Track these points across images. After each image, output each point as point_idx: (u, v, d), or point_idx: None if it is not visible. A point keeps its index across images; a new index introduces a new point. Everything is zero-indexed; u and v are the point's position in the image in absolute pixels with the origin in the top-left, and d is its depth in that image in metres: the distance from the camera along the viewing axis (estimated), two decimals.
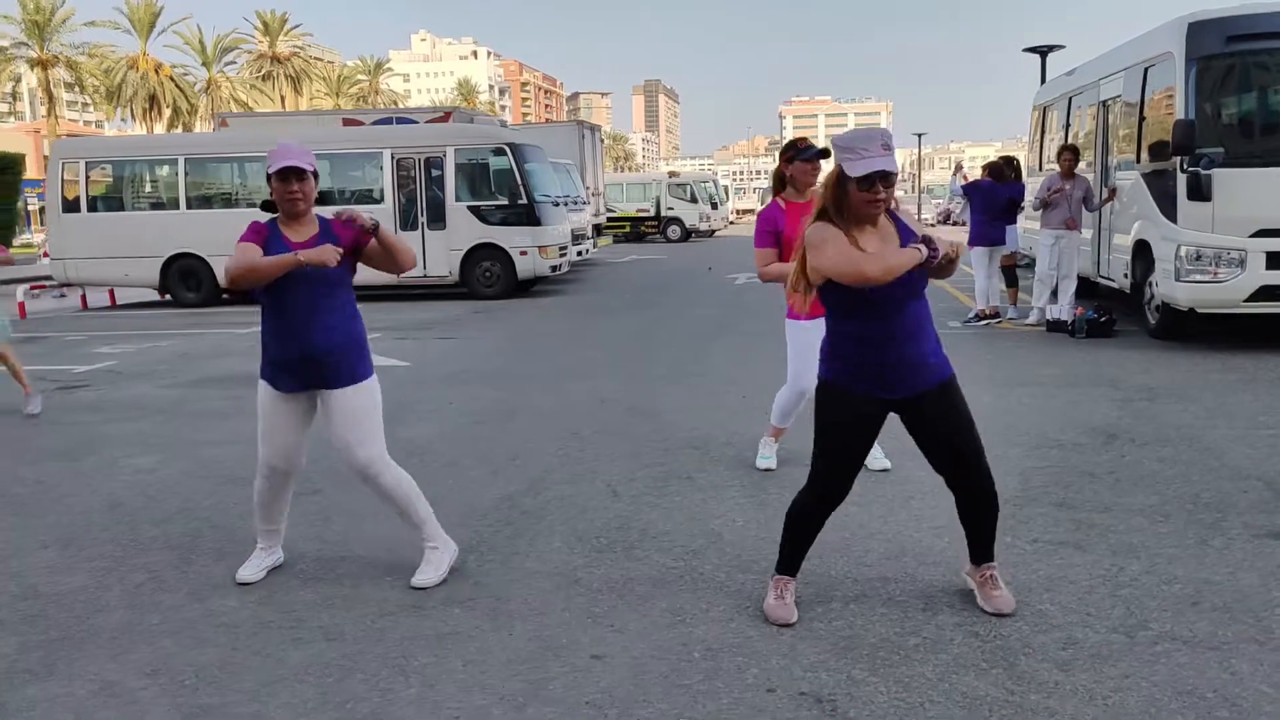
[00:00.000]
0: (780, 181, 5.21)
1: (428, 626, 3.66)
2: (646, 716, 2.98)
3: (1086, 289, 11.72)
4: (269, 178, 3.86)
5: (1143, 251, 9.48)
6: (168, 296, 16.82)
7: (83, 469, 6.09)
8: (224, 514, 5.08)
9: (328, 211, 4.05)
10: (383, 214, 15.84)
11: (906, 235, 3.41)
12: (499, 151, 15.79)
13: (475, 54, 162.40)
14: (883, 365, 3.42)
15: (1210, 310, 8.64)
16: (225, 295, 17.03)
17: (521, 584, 4.03)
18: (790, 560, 3.71)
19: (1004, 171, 10.67)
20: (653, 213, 36.07)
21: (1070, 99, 12.63)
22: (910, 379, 3.45)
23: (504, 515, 4.91)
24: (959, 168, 13.76)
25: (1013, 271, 11.14)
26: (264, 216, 4.04)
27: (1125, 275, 10.11)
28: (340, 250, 3.78)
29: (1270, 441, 5.73)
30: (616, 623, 3.64)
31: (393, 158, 15.86)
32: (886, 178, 3.26)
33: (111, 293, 18.13)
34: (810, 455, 3.62)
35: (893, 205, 3.48)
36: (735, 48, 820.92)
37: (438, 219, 15.85)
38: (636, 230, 36.16)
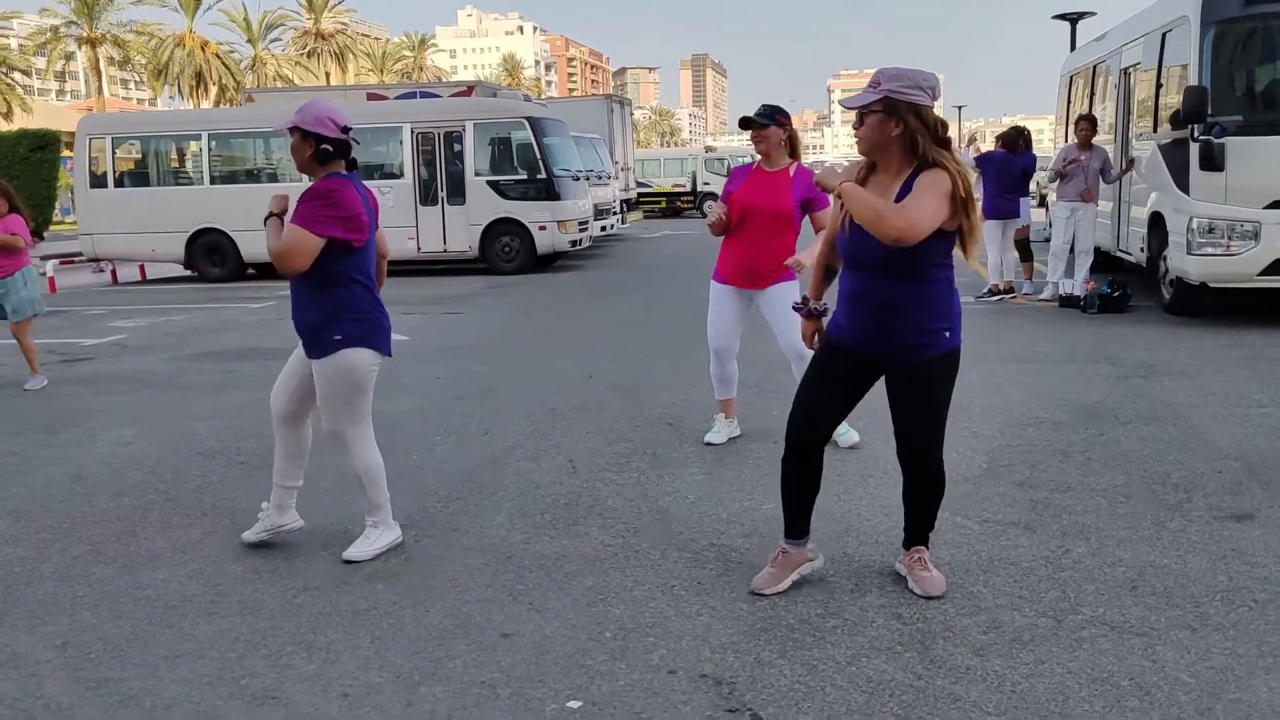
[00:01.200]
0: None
1: (346, 602, 3.62)
2: (537, 697, 2.92)
3: (1110, 263, 11.41)
4: None
5: (1158, 224, 9.18)
6: (194, 272, 17.00)
7: (59, 441, 6.14)
8: (181, 487, 5.08)
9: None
10: (403, 189, 15.90)
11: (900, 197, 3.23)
12: (518, 125, 15.72)
13: (521, 29, 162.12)
14: (856, 325, 3.36)
15: (1223, 285, 8.35)
16: (250, 270, 17.19)
17: (452, 560, 3.97)
18: (788, 519, 3.59)
19: (1017, 142, 10.37)
20: (688, 188, 35.83)
21: (1094, 67, 12.26)
22: (880, 350, 3.36)
23: (456, 490, 4.86)
24: (972, 139, 13.44)
25: (1026, 245, 10.85)
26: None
27: (1141, 249, 9.81)
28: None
29: (1259, 420, 5.51)
30: (536, 601, 3.57)
31: (413, 132, 15.84)
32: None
33: (141, 268, 18.34)
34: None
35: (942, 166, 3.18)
36: (783, 22, 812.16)
37: (457, 194, 15.83)
38: (672, 205, 35.97)
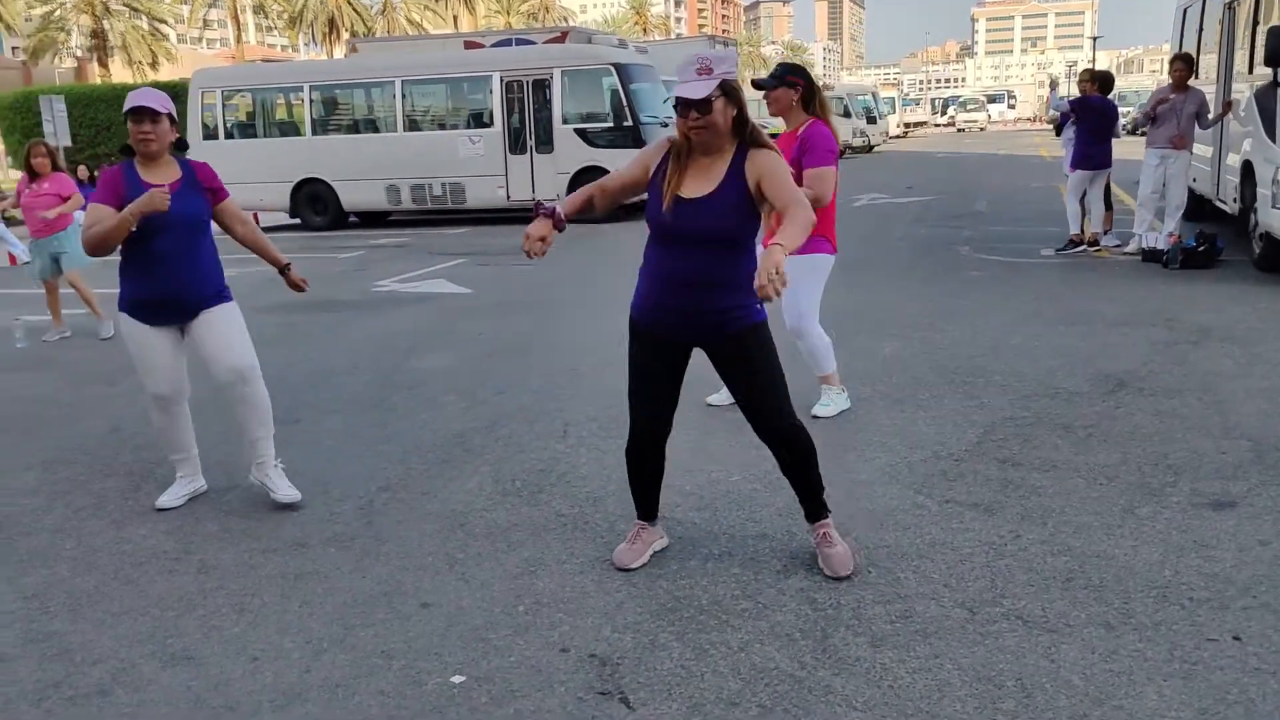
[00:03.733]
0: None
1: (295, 565, 3.78)
2: (426, 670, 3.01)
3: (1216, 214, 10.73)
4: (125, 119, 3.97)
5: (1249, 174, 8.57)
6: (297, 220, 17.64)
7: (114, 392, 6.54)
8: (206, 438, 5.34)
9: None
10: (493, 137, 16.09)
11: (731, 180, 3.19)
12: (605, 72, 15.67)
13: None
14: (661, 305, 3.32)
15: None
16: (353, 219, 17.75)
17: (409, 525, 4.10)
18: (637, 505, 3.66)
19: (1112, 83, 9.75)
20: None
21: (1204, 1, 11.40)
22: (693, 327, 3.32)
23: (444, 453, 4.98)
24: (1054, 84, 12.59)
25: (1108, 194, 10.26)
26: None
27: (1235, 199, 9.17)
28: (168, 196, 3.88)
29: None
30: (469, 571, 3.66)
31: (502, 80, 15.97)
32: (697, 104, 3.08)
33: (255, 216, 19.11)
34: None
35: (765, 144, 3.21)
36: None
37: (545, 142, 15.93)
38: None
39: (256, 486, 4.42)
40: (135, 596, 3.59)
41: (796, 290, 5.06)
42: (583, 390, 5.99)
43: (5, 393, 6.73)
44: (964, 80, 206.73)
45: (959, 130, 62.98)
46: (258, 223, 18.45)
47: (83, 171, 16.43)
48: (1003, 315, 7.37)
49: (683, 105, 3.10)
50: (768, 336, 3.37)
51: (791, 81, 4.96)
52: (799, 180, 4.85)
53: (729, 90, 3.11)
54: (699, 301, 3.26)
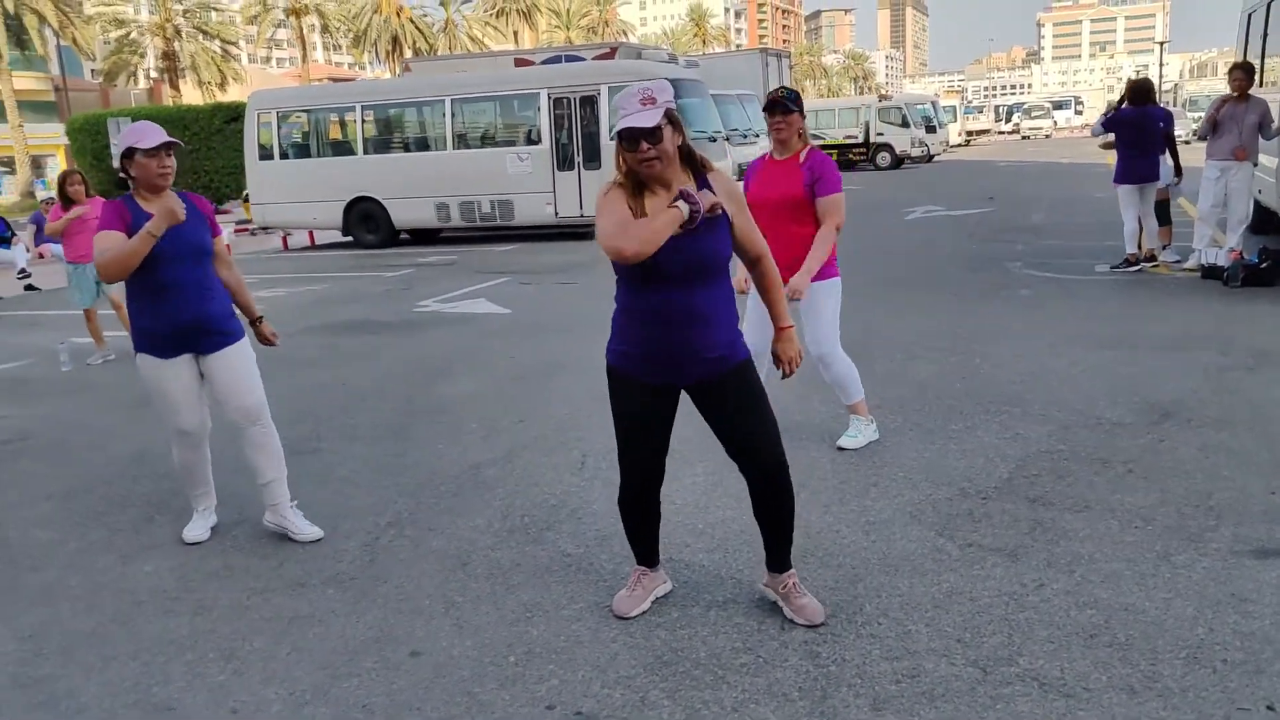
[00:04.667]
0: None
1: (291, 607, 3.71)
2: None
3: (1278, 227, 10.28)
4: (131, 154, 3.94)
5: None
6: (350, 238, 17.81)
7: (142, 417, 6.55)
8: (217, 471, 5.32)
9: None
10: (541, 154, 16.09)
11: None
12: None
13: None
14: (649, 349, 3.18)
15: None
16: (404, 236, 17.88)
17: (411, 565, 4.00)
18: (637, 552, 3.53)
19: (1149, 94, 9.39)
20: (860, 139, 34.68)
21: (1269, 3, 10.95)
22: (690, 368, 3.19)
23: (456, 485, 4.89)
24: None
25: (1165, 208, 9.88)
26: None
27: None
28: (182, 205, 3.91)
29: None
30: (465, 615, 3.55)
31: (549, 97, 15.97)
32: (648, 134, 2.96)
33: (310, 234, 19.39)
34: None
35: (711, 169, 3.17)
36: None
37: (593, 158, 15.87)
38: (844, 157, 34.90)
39: (273, 529, 4.37)
40: (128, 639, 3.54)
41: (819, 317, 4.92)
42: (606, 417, 5.82)
43: (45, 418, 6.80)
44: (1030, 86, 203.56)
45: (1023, 138, 61.86)
46: (312, 242, 18.81)
47: None
48: (1048, 337, 7.09)
49: (631, 139, 2.97)
50: (754, 369, 3.30)
51: (803, 109, 4.81)
52: (812, 207, 4.70)
53: (673, 119, 3.04)
54: (693, 338, 3.13)
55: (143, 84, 59.93)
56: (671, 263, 3.03)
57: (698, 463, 4.91)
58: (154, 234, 3.83)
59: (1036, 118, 63.90)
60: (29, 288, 14.36)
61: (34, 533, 4.63)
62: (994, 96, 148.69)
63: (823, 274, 4.84)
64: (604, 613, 3.50)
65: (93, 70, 58.05)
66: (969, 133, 57.53)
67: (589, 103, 15.76)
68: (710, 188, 3.13)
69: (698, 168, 3.15)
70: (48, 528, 4.68)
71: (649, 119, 2.96)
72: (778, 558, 3.37)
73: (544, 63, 17.72)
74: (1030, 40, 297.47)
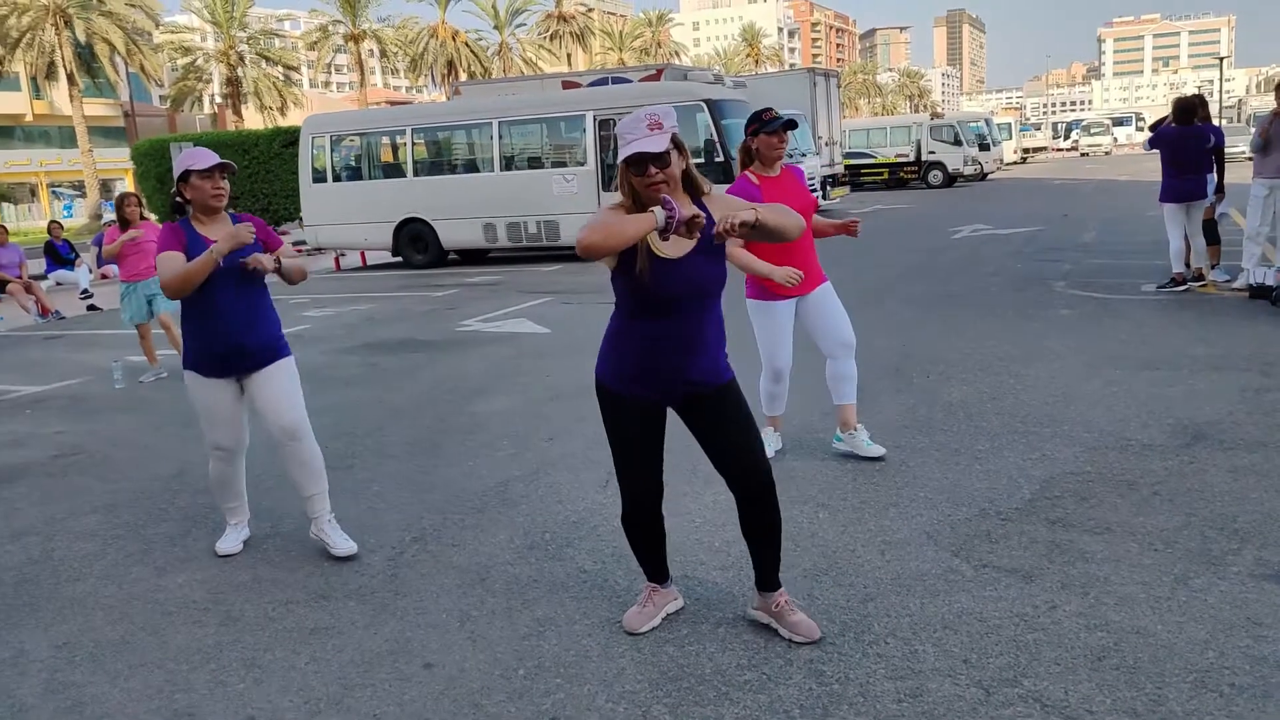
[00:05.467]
0: (747, 155, 4.91)
1: (312, 619, 3.81)
2: None
3: None
4: (186, 176, 4.09)
5: None
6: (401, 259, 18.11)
7: (189, 434, 6.74)
8: (252, 487, 5.46)
9: None
10: (586, 176, 16.25)
11: (709, 225, 3.11)
12: (696, 109, 15.67)
13: None
14: (640, 370, 3.24)
15: None
16: (452, 256, 18.14)
17: (431, 579, 4.09)
18: (646, 569, 3.58)
19: (1193, 112, 9.25)
20: (912, 157, 34.48)
21: None
22: (679, 390, 3.27)
23: (482, 501, 4.98)
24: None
25: (1214, 226, 9.71)
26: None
27: None
28: (253, 228, 4.02)
29: None
30: (479, 629, 3.62)
31: (594, 119, 16.13)
32: (656, 159, 3.01)
33: (362, 254, 19.77)
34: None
35: (705, 191, 3.22)
36: None
37: None
38: (896, 176, 34.77)
39: (316, 542, 4.48)
40: (156, 648, 3.66)
41: (841, 313, 5.13)
42: None
43: (96, 433, 7.03)
44: (1090, 103, 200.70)
45: (1082, 155, 61.01)
46: (364, 262, 19.16)
47: None
48: (1085, 358, 7.02)
49: (639, 163, 3.02)
50: (738, 387, 3.37)
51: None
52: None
53: (678, 144, 3.09)
54: (684, 365, 3.21)
55: (208, 109, 61.52)
56: (669, 289, 3.08)
57: (718, 480, 4.93)
58: (217, 255, 3.97)
59: (1096, 134, 63.00)
60: (91, 308, 14.82)
61: (78, 544, 4.79)
62: (1053, 113, 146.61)
63: (823, 276, 5.10)
64: (615, 628, 3.55)
65: (160, 96, 59.72)
66: (1025, 150, 56.85)
67: None
68: (706, 210, 3.16)
69: (696, 190, 3.19)
70: (91, 540, 4.84)
71: (658, 144, 3.01)
72: (767, 576, 3.41)
73: (591, 85, 17.94)
74: (1091, 56, 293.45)
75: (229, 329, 4.19)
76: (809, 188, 5.04)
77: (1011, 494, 4.54)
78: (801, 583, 3.79)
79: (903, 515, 4.38)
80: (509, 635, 3.56)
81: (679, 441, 3.42)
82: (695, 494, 4.85)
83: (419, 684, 3.27)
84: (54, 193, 57.98)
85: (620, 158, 3.06)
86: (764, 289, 5.05)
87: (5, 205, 55.56)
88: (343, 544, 4.39)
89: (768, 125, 4.72)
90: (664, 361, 3.20)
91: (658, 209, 2.92)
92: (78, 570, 4.47)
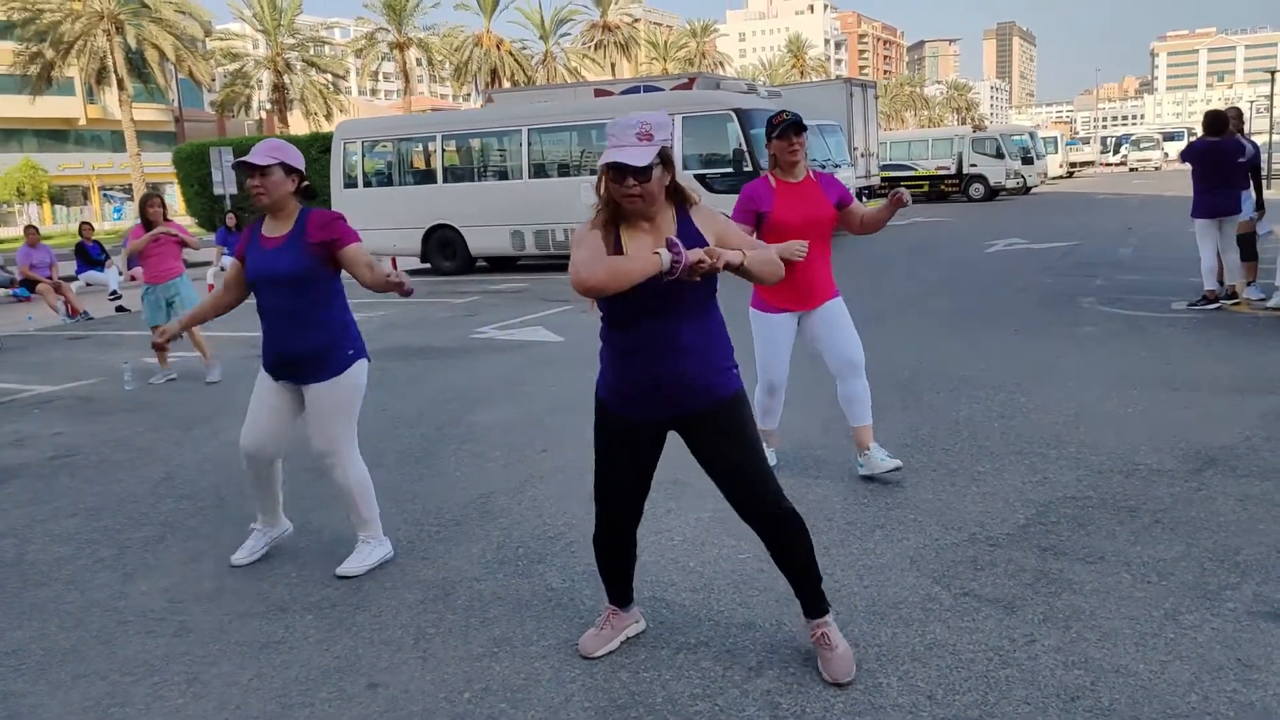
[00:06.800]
0: (774, 160, 4.75)
1: (266, 632, 3.70)
2: None
3: None
4: None
5: None
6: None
7: (184, 438, 6.72)
8: (240, 494, 5.39)
9: None
10: None
11: (691, 240, 2.95)
12: (726, 118, 15.52)
13: (811, 8, 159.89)
14: (638, 383, 3.06)
15: None
16: (481, 263, 18.12)
17: (394, 593, 3.96)
18: (608, 590, 3.42)
19: (1224, 125, 8.94)
20: (953, 170, 34.02)
21: None
22: (678, 398, 3.05)
23: (463, 513, 4.85)
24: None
25: (1251, 242, 9.37)
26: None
27: None
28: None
29: None
30: (432, 648, 3.49)
31: None
32: (637, 172, 2.84)
33: (393, 261, 19.80)
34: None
35: (694, 202, 3.06)
36: None
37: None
38: (936, 189, 34.32)
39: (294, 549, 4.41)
40: (104, 658, 3.56)
41: (848, 329, 4.92)
42: None
43: (95, 435, 7.00)
44: (1142, 117, 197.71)
45: (1131, 170, 59.97)
46: (395, 267, 19.23)
47: (230, 220, 17.36)
48: (1103, 377, 6.76)
49: (617, 171, 2.87)
50: (747, 404, 3.14)
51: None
52: (856, 217, 4.82)
53: (665, 158, 2.92)
54: (684, 370, 3.01)
55: (255, 115, 62.38)
56: (648, 294, 2.92)
57: (709, 498, 4.77)
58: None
59: (1145, 149, 61.87)
60: (119, 309, 14.95)
61: (52, 548, 4.73)
62: (1103, 127, 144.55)
63: (833, 292, 4.92)
64: (571, 651, 3.40)
65: (210, 102, 60.67)
66: (1071, 164, 56.00)
67: None
68: (691, 220, 3.02)
69: (682, 201, 3.05)
70: (66, 544, 4.78)
71: (641, 157, 2.83)
72: (804, 603, 3.20)
73: (623, 93, 17.84)
74: (1143, 70, 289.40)
75: (274, 333, 4.10)
76: (847, 192, 4.81)
77: (1005, 519, 4.33)
78: (772, 608, 3.62)
79: (888, 539, 4.19)
80: (461, 655, 3.43)
81: (669, 451, 3.24)
82: (680, 511, 4.69)
83: (359, 704, 3.14)
84: (105, 195, 59.13)
85: (601, 161, 2.91)
86: (763, 300, 4.90)
87: (57, 206, 56.76)
88: (345, 566, 4.21)
89: (777, 130, 4.57)
90: (661, 368, 3.01)
91: (664, 251, 2.75)
92: (45, 574, 4.40)
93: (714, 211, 3.12)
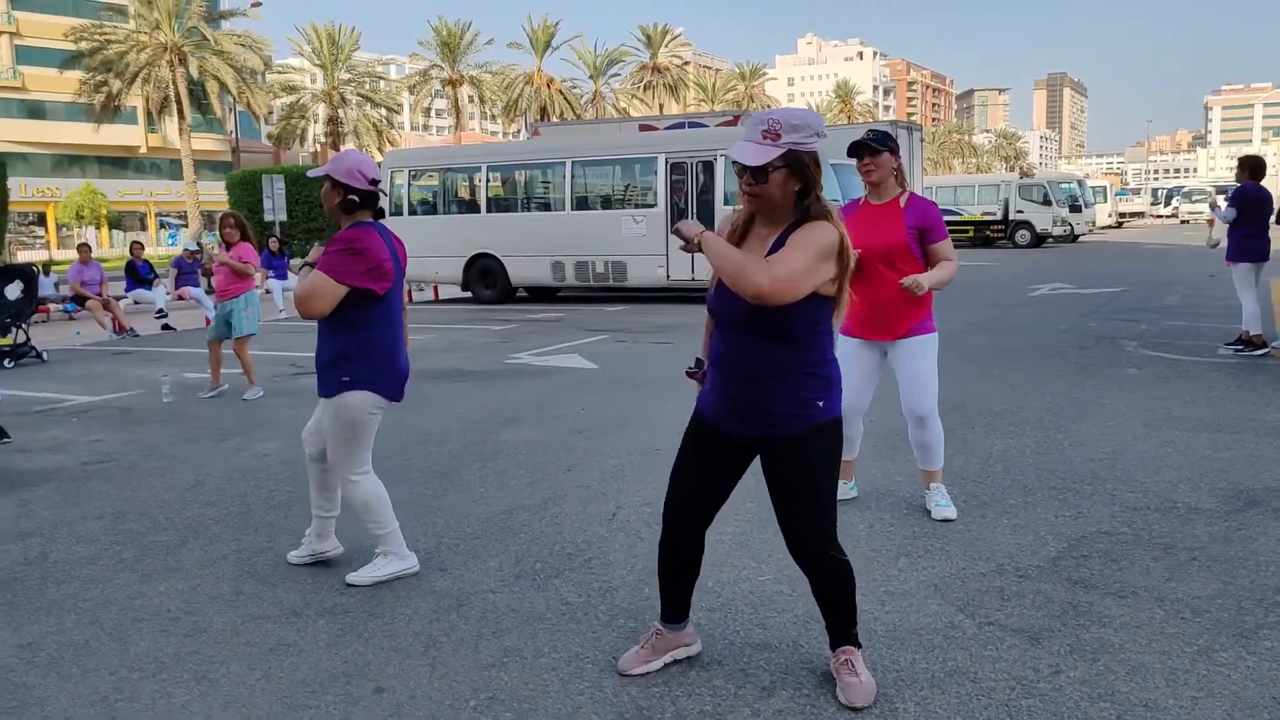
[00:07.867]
0: None
1: (277, 635, 3.67)
2: None
3: None
4: None
5: None
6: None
7: (218, 448, 6.76)
8: (264, 502, 5.40)
9: None
10: (655, 217, 16.22)
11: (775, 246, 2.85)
12: None
13: (860, 55, 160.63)
14: (713, 391, 3.02)
15: None
16: (521, 293, 18.22)
17: (408, 602, 3.93)
18: (662, 604, 3.30)
19: (1264, 169, 8.78)
20: (999, 215, 33.78)
21: None
22: (741, 421, 2.97)
23: (483, 528, 4.82)
24: (1214, 205, 11.29)
25: None
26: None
27: None
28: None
29: None
30: (442, 656, 3.45)
31: (666, 162, 16.11)
32: (753, 171, 2.74)
33: (435, 288, 20.01)
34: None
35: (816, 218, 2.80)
36: (1156, 33, 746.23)
37: (707, 223, 15.86)
38: (982, 234, 34.09)
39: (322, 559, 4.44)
40: (115, 654, 3.56)
41: (918, 374, 4.65)
42: (654, 470, 5.70)
43: (131, 443, 7.07)
44: (1194, 170, 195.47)
45: (1182, 222, 59.20)
46: (436, 295, 19.40)
47: (274, 244, 17.64)
48: (1144, 417, 6.61)
49: (741, 165, 2.77)
50: (835, 443, 2.96)
51: (893, 147, 4.56)
52: (926, 255, 4.49)
53: (793, 162, 2.72)
54: (755, 393, 2.90)
55: (310, 147, 63.58)
56: (722, 309, 2.87)
57: (731, 520, 4.71)
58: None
59: (1198, 201, 61.05)
60: (165, 327, 15.19)
61: (76, 548, 4.76)
62: (1154, 179, 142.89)
63: (921, 327, 4.61)
64: (580, 663, 3.34)
65: (267, 134, 61.97)
66: (1121, 215, 55.38)
67: (706, 168, 15.83)
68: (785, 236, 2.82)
69: (803, 215, 2.81)
70: (90, 544, 4.81)
71: (755, 156, 2.71)
72: (833, 633, 3.11)
73: (668, 129, 17.94)
74: (1196, 123, 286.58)
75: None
76: (935, 227, 4.49)
77: (1035, 551, 4.21)
78: (790, 629, 3.54)
79: (913, 566, 4.10)
80: (471, 665, 3.38)
81: None
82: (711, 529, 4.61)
83: (364, 708, 3.10)
84: (161, 222, 60.44)
85: (726, 152, 2.85)
86: (844, 321, 4.72)
87: (115, 231, 58.10)
88: (356, 575, 4.19)
89: (850, 149, 4.50)
90: (739, 388, 2.93)
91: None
92: (67, 573, 4.42)
93: (810, 230, 2.78)
